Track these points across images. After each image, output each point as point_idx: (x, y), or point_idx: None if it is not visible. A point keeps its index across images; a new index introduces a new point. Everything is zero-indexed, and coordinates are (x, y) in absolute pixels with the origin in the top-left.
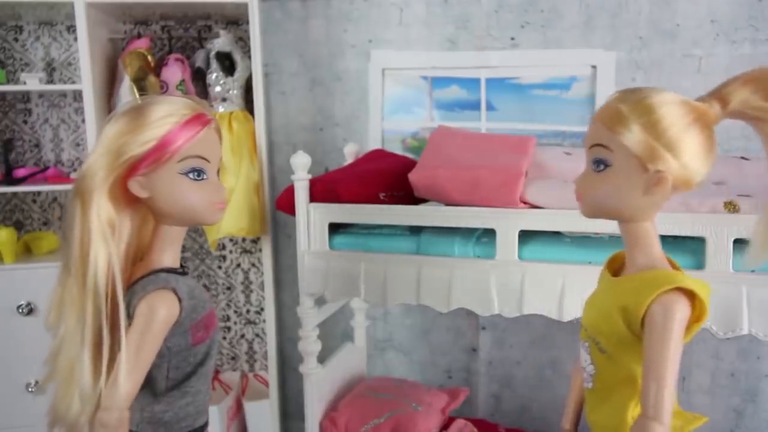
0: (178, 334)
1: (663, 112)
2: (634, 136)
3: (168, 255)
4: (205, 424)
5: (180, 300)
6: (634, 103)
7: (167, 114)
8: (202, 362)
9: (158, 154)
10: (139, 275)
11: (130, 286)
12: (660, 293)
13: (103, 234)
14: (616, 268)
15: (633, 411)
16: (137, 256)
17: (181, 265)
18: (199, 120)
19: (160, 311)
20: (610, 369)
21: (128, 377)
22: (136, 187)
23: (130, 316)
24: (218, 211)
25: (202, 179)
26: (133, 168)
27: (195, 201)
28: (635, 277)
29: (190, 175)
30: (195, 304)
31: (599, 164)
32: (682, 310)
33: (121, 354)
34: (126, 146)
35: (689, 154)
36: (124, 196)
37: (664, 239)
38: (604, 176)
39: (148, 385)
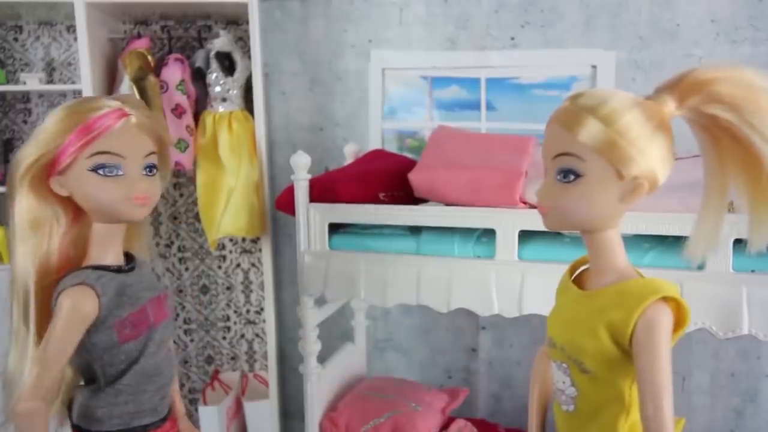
0: (101, 330)
1: (629, 117)
2: (609, 146)
3: (107, 252)
4: (151, 425)
5: (99, 296)
6: (595, 109)
7: (76, 112)
8: (136, 360)
9: (65, 152)
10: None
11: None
12: (646, 307)
13: (23, 230)
14: (579, 280)
15: (623, 428)
16: (81, 253)
17: (128, 262)
18: (109, 116)
19: (69, 306)
20: (596, 389)
21: (32, 369)
22: (56, 185)
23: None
24: (137, 207)
25: (115, 175)
26: (52, 166)
27: (106, 197)
28: (613, 289)
29: (99, 171)
30: (122, 301)
31: (569, 174)
32: (667, 320)
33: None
34: (44, 142)
35: (657, 159)
36: (56, 194)
37: (664, 239)
38: (575, 186)
39: (91, 380)
